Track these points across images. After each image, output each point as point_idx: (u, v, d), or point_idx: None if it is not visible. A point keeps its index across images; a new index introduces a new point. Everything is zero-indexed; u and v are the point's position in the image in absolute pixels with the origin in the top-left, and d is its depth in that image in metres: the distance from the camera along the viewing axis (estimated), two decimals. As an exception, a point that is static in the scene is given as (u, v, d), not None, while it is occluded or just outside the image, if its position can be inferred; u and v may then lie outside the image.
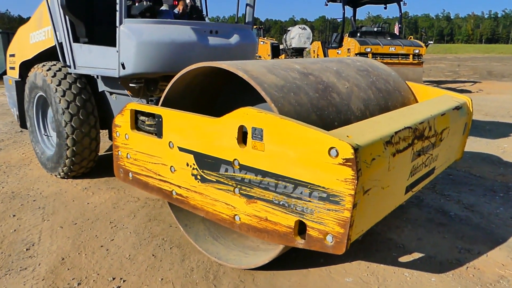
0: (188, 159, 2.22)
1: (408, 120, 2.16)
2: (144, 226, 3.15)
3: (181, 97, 2.77)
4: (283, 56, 24.34)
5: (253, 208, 1.96)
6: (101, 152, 5.10)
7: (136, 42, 3.26)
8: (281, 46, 25.42)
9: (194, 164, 2.20)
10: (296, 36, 26.85)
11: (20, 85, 4.87)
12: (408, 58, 10.81)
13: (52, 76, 3.90)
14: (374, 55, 10.57)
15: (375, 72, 3.06)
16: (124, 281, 2.42)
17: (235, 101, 3.01)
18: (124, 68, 3.35)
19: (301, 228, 1.83)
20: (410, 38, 13.21)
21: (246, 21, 4.22)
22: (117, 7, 3.28)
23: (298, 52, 26.91)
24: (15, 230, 3.12)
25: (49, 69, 3.99)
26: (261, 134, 1.84)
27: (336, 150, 1.61)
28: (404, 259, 2.66)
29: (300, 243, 1.82)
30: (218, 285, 2.37)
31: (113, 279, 2.44)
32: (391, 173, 1.93)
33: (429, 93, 3.22)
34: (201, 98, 2.95)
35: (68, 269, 2.56)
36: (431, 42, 12.24)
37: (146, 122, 2.54)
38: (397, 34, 12.50)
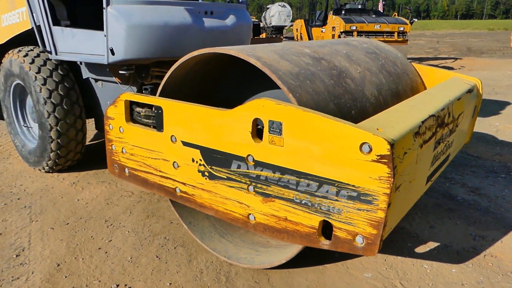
0: (193, 154, 2.04)
1: (430, 107, 2.01)
2: (143, 224, 2.95)
3: (180, 86, 2.55)
4: (263, 34, 23.92)
5: (271, 207, 1.80)
6: (87, 142, 4.84)
7: (126, 25, 2.96)
8: (261, 24, 24.98)
9: (200, 160, 2.01)
10: (276, 14, 26.43)
11: None
12: (393, 35, 10.73)
13: (30, 63, 3.57)
14: (359, 33, 10.45)
15: (382, 54, 2.91)
16: (129, 287, 2.24)
17: (238, 89, 2.81)
18: (113, 54, 3.06)
19: (324, 228, 1.69)
20: (395, 15, 13.10)
21: (240, 0, 3.96)
22: None
23: (279, 30, 26.54)
24: (0, 233, 2.88)
25: (26, 54, 3.65)
26: (279, 128, 1.67)
27: (369, 145, 1.46)
28: (420, 249, 2.57)
29: (325, 244, 1.68)
30: (232, 288, 2.23)
31: (117, 286, 2.26)
32: (417, 166, 1.79)
33: (435, 75, 3.10)
34: (201, 86, 2.73)
35: (66, 276, 2.36)
36: (416, 19, 12.18)
37: (143, 114, 2.31)
38: (381, 11, 12.37)
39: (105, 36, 3.06)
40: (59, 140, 3.63)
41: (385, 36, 10.57)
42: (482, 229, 2.81)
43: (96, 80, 3.72)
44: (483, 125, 5.69)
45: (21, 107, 4.28)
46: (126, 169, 2.49)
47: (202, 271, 2.38)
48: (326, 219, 1.64)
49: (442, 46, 22.32)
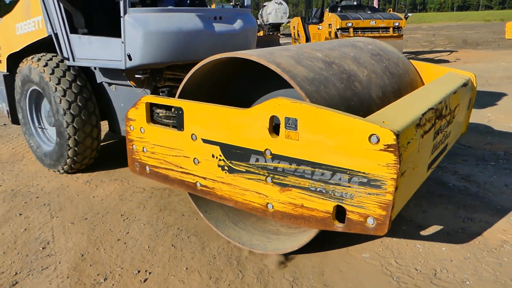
0: (213, 150, 2.24)
1: (429, 101, 2.21)
2: (157, 217, 3.18)
3: (197, 87, 2.74)
4: (261, 32, 24.08)
5: (288, 196, 2.00)
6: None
7: (143, 32, 3.17)
8: (257, 22, 25.13)
9: (220, 156, 2.21)
10: (273, 12, 26.57)
11: (9, 79, 4.69)
12: (389, 31, 10.92)
13: (51, 74, 3.76)
14: (355, 30, 10.64)
15: (386, 56, 3.10)
16: (149, 273, 2.47)
17: (250, 88, 2.99)
18: (130, 59, 3.26)
19: (337, 212, 1.88)
20: (390, 10, 13.29)
21: (245, 4, 4.15)
22: None
23: (275, 27, 26.70)
24: (25, 229, 3.11)
25: (46, 64, 3.83)
26: (295, 124, 1.86)
27: (377, 136, 1.65)
28: (413, 231, 2.79)
29: (339, 226, 1.87)
30: (243, 270, 2.45)
31: (138, 272, 2.49)
32: (419, 154, 1.99)
33: (432, 71, 3.30)
34: (215, 87, 2.93)
35: (90, 265, 2.59)
36: (410, 14, 12.36)
37: (164, 115, 2.51)
38: (376, 7, 12.55)
39: (122, 42, 3.26)
40: (76, 148, 3.85)
41: (380, 32, 10.78)
42: (471, 212, 3.04)
43: (110, 84, 3.92)
44: (476, 116, 5.91)
45: (37, 110, 4.48)
46: (147, 167, 2.69)
47: (215, 257, 2.61)
48: (339, 204, 1.83)
49: (438, 39, 22.51)
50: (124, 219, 3.19)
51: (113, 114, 4.02)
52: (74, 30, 3.69)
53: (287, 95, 2.03)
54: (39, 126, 4.49)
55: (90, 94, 3.87)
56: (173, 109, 2.44)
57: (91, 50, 3.59)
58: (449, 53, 15.46)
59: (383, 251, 2.58)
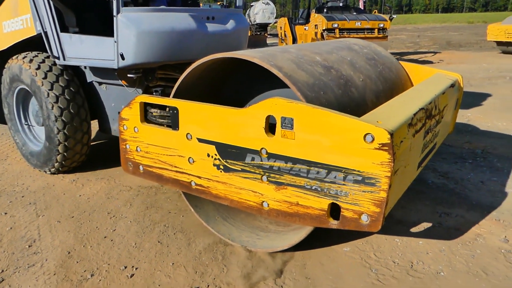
0: (209, 149, 2.26)
1: (419, 101, 2.27)
2: (143, 214, 3.23)
3: (192, 87, 2.76)
4: (248, 32, 24.12)
5: (283, 194, 2.04)
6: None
7: (136, 32, 3.18)
8: (245, 23, 25.13)
9: (216, 155, 2.24)
10: (260, 12, 26.63)
11: None
12: (374, 32, 11.10)
13: (43, 78, 3.71)
14: (341, 31, 10.78)
15: (381, 61, 3.17)
16: (136, 268, 2.52)
17: (244, 88, 3.02)
18: (123, 59, 3.27)
19: (331, 210, 1.92)
20: (375, 12, 13.49)
21: (237, 4, 4.19)
22: None
23: (263, 27, 26.76)
24: (11, 228, 3.12)
25: (39, 67, 3.77)
26: (291, 123, 1.90)
27: (371, 135, 1.70)
28: (392, 226, 2.90)
29: (333, 224, 1.92)
30: (228, 265, 2.52)
31: (125, 267, 2.54)
32: (411, 153, 2.05)
33: (421, 72, 3.40)
34: (210, 86, 2.95)
35: (77, 262, 2.63)
36: (395, 16, 12.58)
37: (158, 114, 2.53)
38: (362, 8, 12.73)
39: (115, 42, 3.27)
40: (66, 143, 3.82)
41: (366, 33, 10.94)
42: (448, 207, 3.16)
43: (100, 83, 3.92)
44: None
45: (24, 107, 4.42)
46: (141, 166, 2.71)
47: (201, 252, 2.67)
48: (334, 201, 1.88)
49: (422, 40, 22.88)
50: (111, 216, 3.22)
51: (104, 113, 4.03)
52: (64, 29, 3.68)
53: (282, 95, 2.08)
54: (26, 123, 4.46)
55: (82, 99, 3.86)
56: (167, 109, 2.46)
57: (83, 49, 3.58)
58: (433, 54, 15.74)
59: (363, 245, 2.68)
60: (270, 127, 2.01)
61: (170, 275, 2.46)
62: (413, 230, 2.85)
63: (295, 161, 1.94)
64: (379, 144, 1.69)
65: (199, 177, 2.37)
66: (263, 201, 2.13)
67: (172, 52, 3.38)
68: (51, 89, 3.69)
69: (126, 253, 2.70)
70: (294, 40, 12.44)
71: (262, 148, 2.04)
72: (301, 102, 1.92)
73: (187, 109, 2.33)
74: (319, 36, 10.96)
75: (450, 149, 4.57)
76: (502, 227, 2.86)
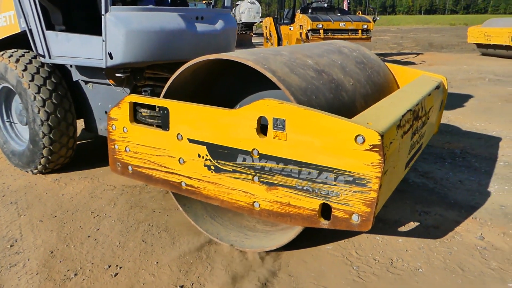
0: (200, 150, 2.26)
1: (407, 103, 2.31)
2: (127, 214, 3.22)
3: (183, 87, 2.75)
4: (234, 32, 24.07)
5: (274, 195, 2.06)
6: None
7: (125, 31, 3.14)
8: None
9: (207, 155, 2.24)
10: (246, 11, 26.62)
11: None
12: (357, 33, 11.24)
13: (30, 80, 3.61)
14: (326, 31, 10.89)
15: (369, 64, 3.22)
16: (120, 267, 2.53)
17: (234, 88, 3.03)
18: (111, 58, 3.23)
19: (323, 210, 1.95)
20: (359, 13, 13.65)
21: (225, 4, 4.18)
22: None
23: (248, 27, 26.77)
24: (-8, 227, 3.08)
25: (25, 68, 3.67)
26: (283, 124, 1.92)
27: (362, 137, 1.73)
28: (374, 225, 2.95)
29: (324, 224, 1.94)
30: (212, 263, 2.54)
31: (109, 266, 2.53)
32: (399, 154, 2.09)
33: (406, 74, 3.48)
34: (200, 87, 2.94)
35: (60, 261, 2.61)
36: (378, 18, 12.75)
37: (148, 114, 2.51)
38: (346, 9, 12.87)
39: (103, 41, 3.22)
40: (51, 147, 3.75)
41: (349, 34, 11.08)
42: (427, 206, 3.25)
43: (87, 82, 3.87)
44: (437, 116, 6.21)
45: (6, 105, 4.33)
46: (130, 167, 2.68)
47: (185, 251, 2.68)
48: (325, 201, 1.90)
49: (405, 42, 23.22)
50: (95, 216, 3.21)
51: (90, 113, 3.98)
52: (50, 27, 3.62)
53: (273, 96, 2.10)
54: (8, 120, 4.36)
55: (69, 104, 3.80)
56: (157, 109, 2.44)
57: (69, 48, 3.53)
58: (415, 55, 16.00)
59: (345, 243, 2.74)
60: (262, 128, 2.03)
61: (154, 273, 2.47)
62: (394, 228, 2.93)
63: (286, 161, 1.96)
64: (370, 145, 1.72)
65: (190, 178, 2.37)
66: (254, 202, 2.14)
67: (161, 51, 3.36)
68: (38, 92, 3.62)
69: (110, 252, 2.70)
70: (280, 40, 12.51)
71: (253, 149, 2.05)
72: (293, 104, 1.94)
73: (178, 109, 2.32)
74: (304, 36, 11.05)
75: (430, 149, 4.68)
76: (479, 225, 2.95)
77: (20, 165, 4.12)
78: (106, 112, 3.83)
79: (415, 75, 3.37)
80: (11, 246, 2.81)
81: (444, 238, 2.79)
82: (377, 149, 1.71)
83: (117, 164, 2.77)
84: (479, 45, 14.79)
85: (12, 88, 3.85)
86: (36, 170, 3.99)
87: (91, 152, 4.79)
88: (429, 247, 2.67)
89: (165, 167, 2.47)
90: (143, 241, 2.82)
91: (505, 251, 2.63)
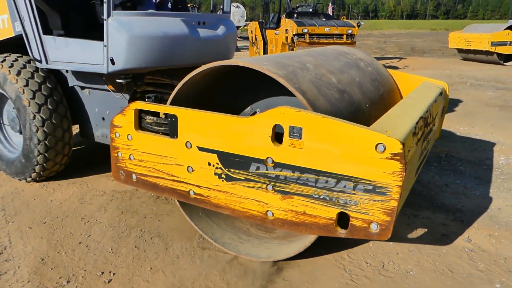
0: (210, 158, 2.22)
1: (418, 110, 2.31)
2: (119, 219, 3.20)
3: (186, 93, 2.70)
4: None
5: (289, 203, 2.02)
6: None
7: (127, 36, 3.09)
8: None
9: (217, 164, 2.20)
10: (231, 15, 26.77)
11: None
12: (342, 38, 11.36)
13: (25, 86, 3.53)
14: (311, 36, 10.98)
15: (382, 82, 3.23)
16: (113, 274, 2.51)
17: (240, 94, 2.99)
18: (113, 63, 3.16)
19: (339, 219, 1.93)
20: (343, 18, 13.84)
21: (225, 10, 4.16)
22: None
23: (233, 31, 26.85)
24: (-21, 235, 3.02)
25: (19, 73, 3.57)
26: (300, 133, 1.90)
27: (383, 145, 1.71)
28: (364, 228, 3.01)
29: (341, 233, 1.92)
30: (206, 268, 2.55)
31: (102, 273, 2.52)
32: (413, 160, 2.08)
33: (409, 81, 3.52)
34: (202, 92, 2.89)
35: (52, 268, 2.58)
36: (363, 23, 12.96)
37: (154, 122, 2.46)
38: (331, 14, 13.03)
39: (105, 46, 3.16)
40: (46, 154, 3.65)
41: (334, 39, 11.20)
42: (415, 209, 3.32)
43: (83, 88, 3.79)
44: (422, 120, 6.34)
45: None
46: (134, 175, 2.62)
47: (178, 256, 2.69)
48: (343, 210, 1.87)
49: (388, 46, 23.61)
50: (85, 222, 3.18)
51: (86, 119, 3.90)
52: (47, 31, 3.54)
53: (284, 102, 2.07)
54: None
55: (65, 110, 3.72)
56: (164, 116, 2.39)
57: (68, 53, 3.44)
58: (398, 60, 16.29)
59: (338, 247, 2.78)
60: (277, 136, 2.00)
61: (148, 279, 2.46)
62: (384, 231, 2.98)
63: (303, 170, 1.93)
64: (391, 153, 1.70)
65: (199, 186, 2.32)
66: (268, 211, 2.10)
67: (163, 57, 3.32)
68: (33, 98, 3.54)
69: (103, 258, 2.68)
70: (265, 44, 12.57)
71: (268, 157, 2.02)
72: (310, 112, 1.92)
73: (187, 117, 2.27)
74: (289, 40, 11.12)
75: (416, 153, 4.78)
76: (466, 228, 3.04)
77: (13, 173, 3.99)
78: (103, 118, 3.77)
79: (417, 82, 3.39)
80: (0, 253, 2.76)
81: (433, 240, 2.86)
82: (399, 158, 1.69)
83: (120, 172, 2.70)
84: (460, 50, 15.15)
85: (4, 93, 3.75)
86: (30, 178, 3.88)
87: (80, 157, 4.73)
88: (419, 250, 2.74)
89: (172, 175, 2.42)
90: (135, 247, 2.81)
91: (491, 253, 2.71)
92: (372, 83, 3.07)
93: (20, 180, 3.98)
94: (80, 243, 2.88)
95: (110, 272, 2.53)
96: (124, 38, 3.11)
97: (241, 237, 2.80)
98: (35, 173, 3.80)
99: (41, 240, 2.93)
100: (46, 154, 3.66)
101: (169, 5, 4.52)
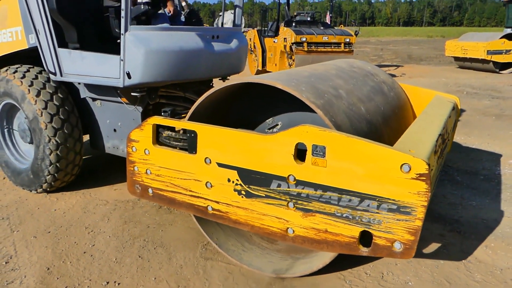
0: (230, 175, 2.24)
1: (436, 128, 2.35)
2: (122, 229, 3.25)
3: (205, 109, 2.72)
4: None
5: (311, 221, 2.03)
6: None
7: (144, 51, 3.14)
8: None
9: (237, 180, 2.21)
10: (229, 22, 26.74)
11: None
12: (340, 46, 11.49)
13: (37, 96, 3.55)
14: (309, 44, 11.10)
15: (402, 108, 3.27)
16: (118, 283, 2.56)
17: (255, 109, 3.01)
18: (129, 77, 3.20)
19: (361, 237, 1.93)
20: (341, 27, 13.99)
21: (236, 23, 4.21)
22: (123, 13, 3.08)
23: (231, 37, 27.00)
24: (-16, 244, 3.07)
25: (31, 84, 3.60)
26: (323, 151, 1.91)
27: (408, 165, 1.72)
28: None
29: (364, 251, 1.93)
30: (210, 279, 2.61)
31: (107, 283, 2.57)
32: (434, 178, 2.13)
33: (420, 95, 3.58)
34: (218, 108, 2.90)
35: (58, 278, 2.63)
36: (360, 32, 13.08)
37: (173, 137, 2.49)
38: (329, 23, 13.17)
39: (121, 60, 3.20)
40: (58, 164, 3.68)
41: (332, 47, 11.32)
42: (413, 220, 3.38)
43: (94, 99, 3.83)
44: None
45: (8, 122, 4.22)
46: (150, 189, 2.63)
47: (182, 266, 2.74)
48: (366, 229, 1.88)
49: (385, 54, 23.80)
50: (89, 231, 3.23)
51: (97, 130, 3.94)
52: (63, 44, 3.58)
53: (300, 119, 2.09)
54: (6, 126, 4.23)
55: (76, 120, 3.77)
56: (183, 132, 2.42)
57: (83, 66, 3.47)
58: (395, 67, 16.44)
59: (338, 257, 2.83)
60: (299, 154, 2.01)
61: (153, 290, 2.51)
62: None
63: (325, 188, 1.94)
64: (417, 174, 1.71)
65: (217, 202, 2.33)
66: (288, 228, 2.11)
67: (179, 71, 3.36)
68: (45, 108, 3.57)
69: (107, 268, 2.73)
70: (264, 52, 12.68)
71: (289, 175, 2.04)
72: (334, 131, 1.95)
73: (207, 133, 2.29)
74: (288, 49, 11.24)
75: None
76: (462, 238, 3.10)
77: (23, 183, 4.00)
78: (115, 130, 3.81)
79: (428, 96, 3.43)
80: (6, 263, 2.81)
81: (430, 251, 2.93)
82: (424, 178, 1.70)
83: (136, 186, 2.70)
84: (456, 58, 15.31)
85: (16, 104, 3.78)
86: (41, 189, 3.90)
87: (82, 167, 4.78)
88: (417, 261, 2.80)
89: (190, 190, 2.43)
90: (139, 256, 2.86)
91: (488, 264, 2.78)
92: (394, 110, 3.11)
93: (31, 191, 3.99)
94: (84, 252, 2.93)
95: (115, 282, 2.58)
96: (141, 52, 3.14)
97: (244, 245, 2.85)
98: (46, 184, 3.81)
99: (46, 249, 2.97)
100: (57, 164, 3.68)
101: (182, 17, 4.59)
